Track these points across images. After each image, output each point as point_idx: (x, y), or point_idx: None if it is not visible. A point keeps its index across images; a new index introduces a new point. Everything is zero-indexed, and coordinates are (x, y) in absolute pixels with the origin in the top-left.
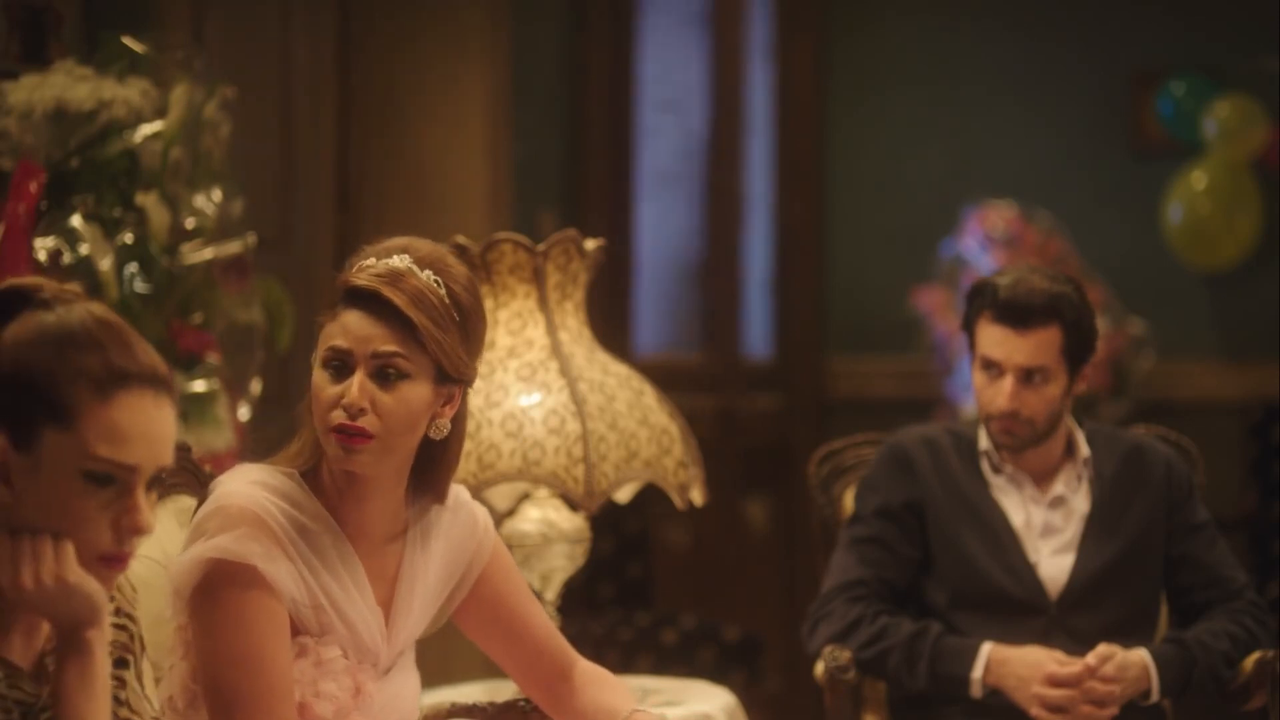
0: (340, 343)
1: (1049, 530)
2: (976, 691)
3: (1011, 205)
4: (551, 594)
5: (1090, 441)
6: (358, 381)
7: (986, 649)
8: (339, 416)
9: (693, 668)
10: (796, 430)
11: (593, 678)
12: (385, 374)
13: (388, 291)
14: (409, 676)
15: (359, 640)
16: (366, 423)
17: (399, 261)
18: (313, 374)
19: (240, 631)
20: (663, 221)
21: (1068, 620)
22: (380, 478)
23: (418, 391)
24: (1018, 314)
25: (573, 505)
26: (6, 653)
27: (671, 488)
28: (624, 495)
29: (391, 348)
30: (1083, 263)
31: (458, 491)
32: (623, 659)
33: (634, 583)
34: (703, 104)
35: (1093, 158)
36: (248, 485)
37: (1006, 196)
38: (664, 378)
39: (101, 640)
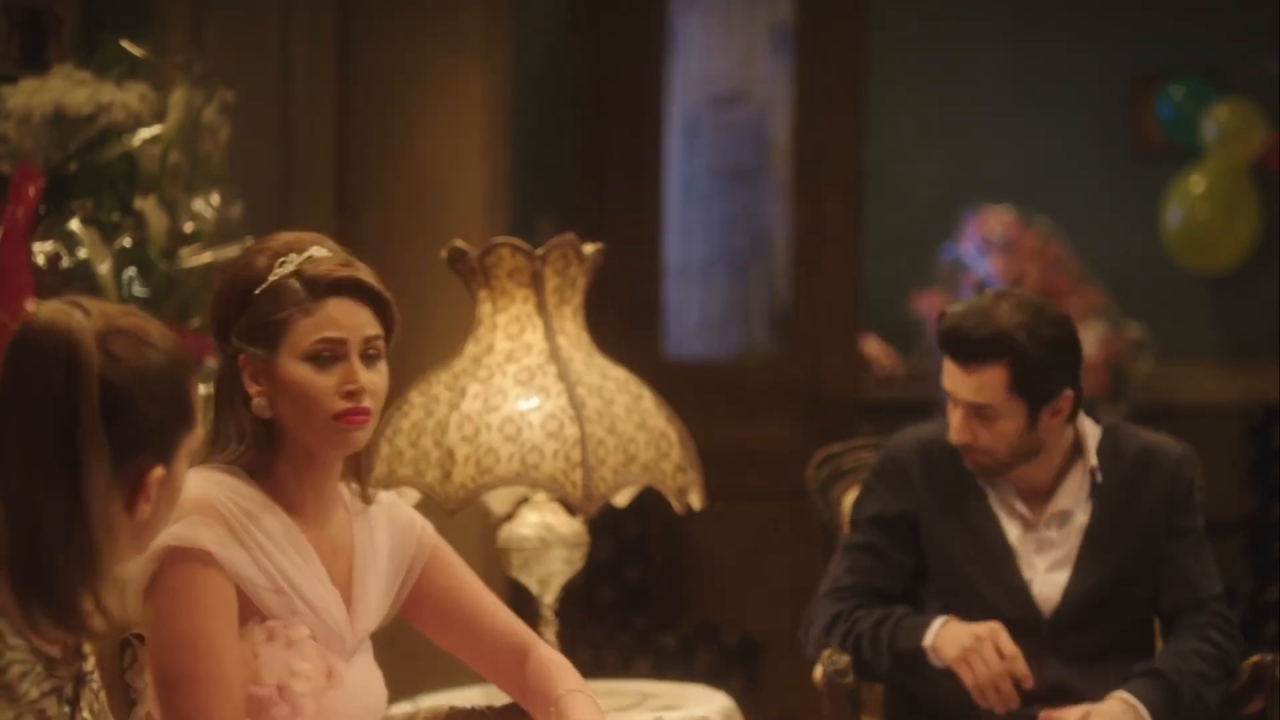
0: (333, 333)
1: (1044, 545)
2: (933, 661)
3: (1010, 209)
4: (550, 598)
5: (1103, 442)
6: (358, 366)
7: (939, 620)
8: (341, 403)
9: (691, 671)
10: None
11: (545, 662)
12: (370, 355)
13: (371, 279)
14: (374, 670)
15: (323, 622)
16: (367, 402)
17: (326, 250)
18: (287, 370)
19: (193, 614)
20: (722, 219)
21: (1061, 639)
22: (340, 458)
23: (386, 367)
24: (959, 350)
25: (571, 509)
26: (40, 645)
27: (670, 492)
28: (622, 499)
29: (377, 330)
30: (1081, 266)
31: (390, 495)
32: (621, 662)
33: (633, 586)
34: (787, 96)
35: (1092, 161)
36: (194, 479)
37: (1005, 199)
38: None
39: None
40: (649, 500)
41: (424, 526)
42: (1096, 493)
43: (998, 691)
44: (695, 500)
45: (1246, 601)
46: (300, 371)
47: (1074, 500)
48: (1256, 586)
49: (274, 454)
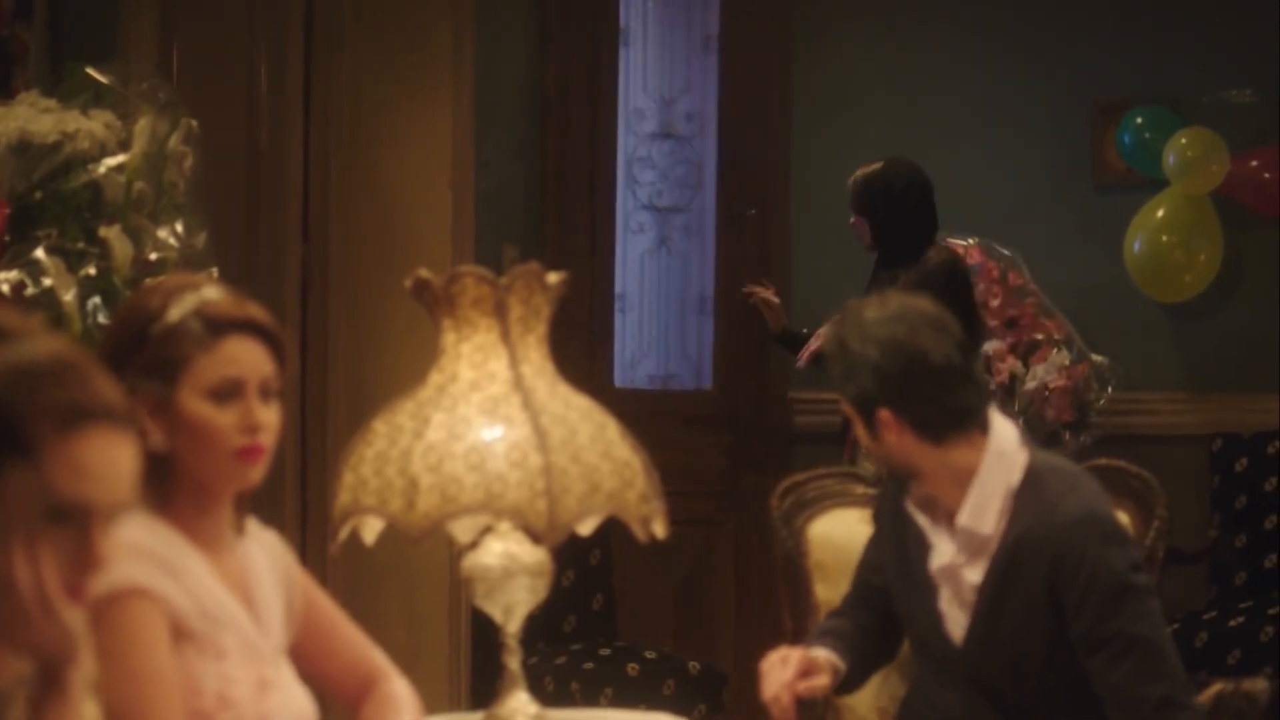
0: (233, 371)
1: (952, 578)
2: None
3: (973, 238)
4: (513, 626)
5: (1022, 489)
6: (257, 404)
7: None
8: (241, 439)
9: (654, 700)
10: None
11: (386, 697)
12: (267, 393)
13: (267, 318)
14: (298, 683)
15: (241, 635)
16: (264, 439)
17: (218, 291)
18: (187, 407)
19: (140, 651)
20: (652, 253)
21: (981, 681)
22: (234, 492)
23: (278, 406)
24: None
25: (535, 538)
26: None
27: (634, 521)
28: (586, 528)
29: (273, 369)
30: (1044, 295)
31: (253, 521)
32: (585, 691)
33: (596, 615)
34: (712, 131)
35: (1054, 190)
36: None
37: (968, 228)
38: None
39: (79, 678)
40: (612, 530)
41: (287, 549)
42: (979, 545)
43: (779, 704)
44: (659, 529)
45: (1209, 629)
46: (201, 408)
47: (974, 520)
48: (1219, 614)
49: (170, 488)
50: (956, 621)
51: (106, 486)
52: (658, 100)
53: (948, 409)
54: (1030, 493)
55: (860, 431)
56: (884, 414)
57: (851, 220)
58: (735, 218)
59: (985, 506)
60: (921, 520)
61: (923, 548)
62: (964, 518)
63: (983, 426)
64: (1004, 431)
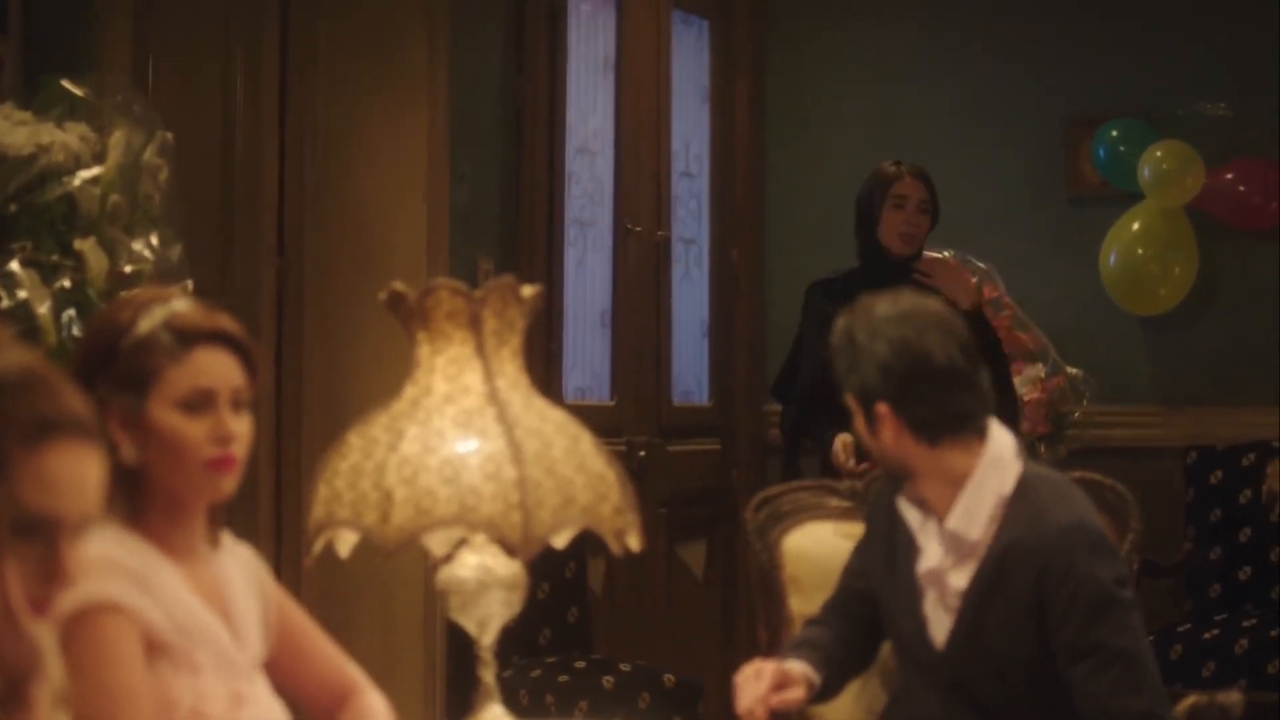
0: (204, 382)
1: (937, 581)
2: None
3: (948, 250)
4: (488, 639)
5: (1014, 498)
6: (228, 415)
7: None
8: (213, 450)
9: (630, 713)
10: (734, 475)
11: (361, 711)
12: (239, 404)
13: (237, 329)
14: (274, 698)
15: (216, 649)
16: (236, 449)
17: (188, 303)
18: (158, 418)
19: (111, 667)
20: (576, 268)
21: (963, 686)
22: (206, 503)
23: (250, 417)
24: None
25: (510, 551)
26: None
27: (608, 534)
28: (560, 540)
29: (243, 380)
30: (1019, 308)
31: (227, 534)
32: (560, 704)
33: (572, 628)
34: (611, 148)
35: (1029, 203)
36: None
37: (944, 240)
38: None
39: (44, 694)
40: (587, 542)
41: (261, 562)
42: (966, 550)
43: (753, 718)
44: (634, 542)
45: (1184, 642)
46: (171, 419)
47: (964, 524)
48: (1194, 627)
49: (142, 500)
50: (940, 625)
51: (73, 499)
52: (578, 115)
53: (945, 411)
54: (1021, 502)
55: (859, 425)
56: (882, 408)
57: (922, 222)
58: (629, 235)
59: (975, 512)
60: (912, 518)
61: (912, 550)
62: (953, 521)
63: (980, 433)
64: (1001, 440)
